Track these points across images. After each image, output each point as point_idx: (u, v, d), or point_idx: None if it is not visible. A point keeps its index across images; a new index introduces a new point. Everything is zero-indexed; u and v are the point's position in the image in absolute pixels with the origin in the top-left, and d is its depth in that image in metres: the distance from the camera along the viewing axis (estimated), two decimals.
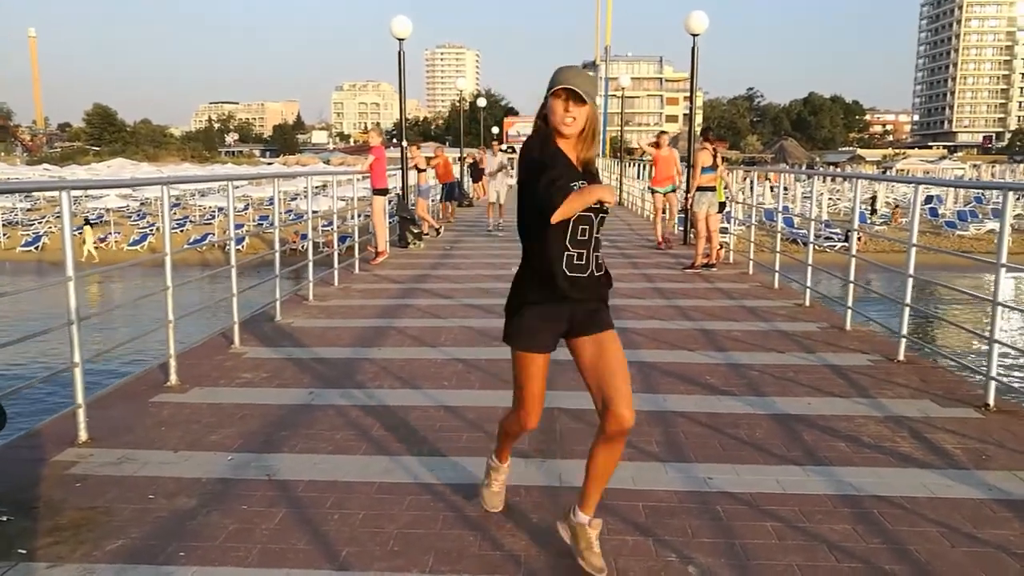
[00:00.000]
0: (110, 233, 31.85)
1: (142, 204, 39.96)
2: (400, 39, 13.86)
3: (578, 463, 3.84)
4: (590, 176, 2.77)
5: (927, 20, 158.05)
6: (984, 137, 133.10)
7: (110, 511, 3.31)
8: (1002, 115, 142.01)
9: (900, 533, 3.16)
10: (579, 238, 2.70)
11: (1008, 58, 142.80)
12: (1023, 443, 4.17)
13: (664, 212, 13.67)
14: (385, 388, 5.15)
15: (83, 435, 4.14)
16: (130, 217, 37.07)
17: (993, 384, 4.76)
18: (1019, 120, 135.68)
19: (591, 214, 2.69)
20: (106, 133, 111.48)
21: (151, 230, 32.35)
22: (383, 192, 11.76)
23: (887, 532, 3.18)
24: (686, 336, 6.65)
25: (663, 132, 13.81)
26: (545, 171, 2.62)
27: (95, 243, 29.91)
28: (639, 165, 24.22)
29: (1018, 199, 32.92)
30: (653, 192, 13.58)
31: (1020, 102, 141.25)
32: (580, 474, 3.69)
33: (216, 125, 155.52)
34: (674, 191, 13.29)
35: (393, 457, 3.95)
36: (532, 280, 2.79)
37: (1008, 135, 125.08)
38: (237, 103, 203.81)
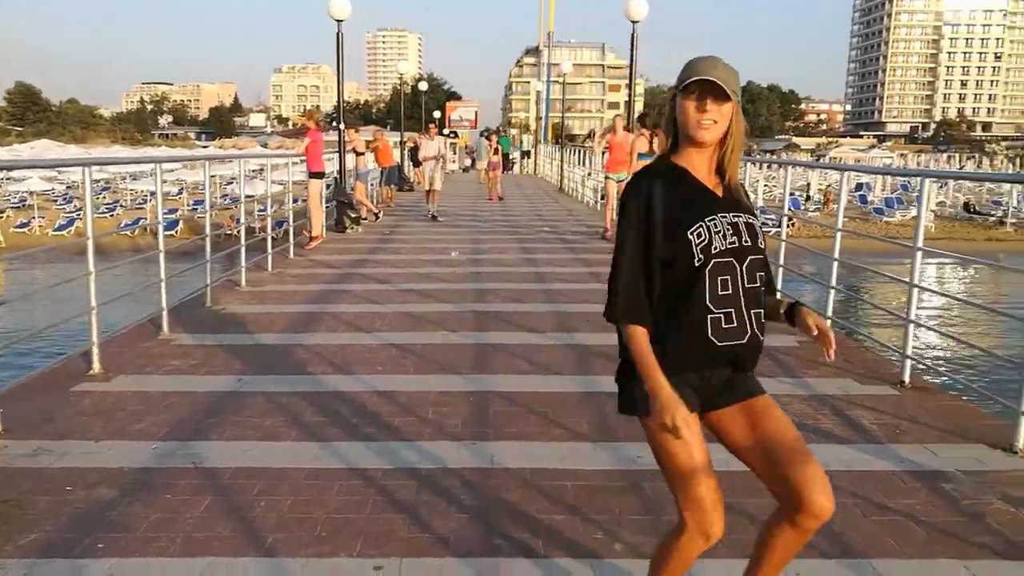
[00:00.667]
0: (33, 218, 30.59)
1: (68, 188, 38.45)
2: (339, 20, 13.63)
3: (510, 444, 3.89)
4: (736, 205, 2.07)
5: (859, 13, 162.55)
6: (911, 127, 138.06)
7: (23, 504, 3.20)
8: (928, 106, 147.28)
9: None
10: (721, 293, 2.00)
11: (934, 52, 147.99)
12: (934, 418, 4.36)
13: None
14: (317, 374, 5.09)
15: None
16: (56, 201, 35.66)
17: (909, 363, 4.96)
18: (944, 112, 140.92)
19: (732, 259, 2.00)
20: (29, 113, 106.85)
21: (78, 215, 31.18)
22: (319, 175, 11.57)
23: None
24: None
25: (618, 115, 13.32)
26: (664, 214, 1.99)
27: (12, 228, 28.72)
28: (580, 152, 24.40)
29: (941, 187, 34.27)
30: (607, 178, 13.26)
31: (945, 94, 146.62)
32: (512, 456, 3.75)
33: (149, 107, 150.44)
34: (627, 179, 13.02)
35: (324, 443, 3.91)
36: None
37: (933, 126, 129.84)
38: (171, 84, 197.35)
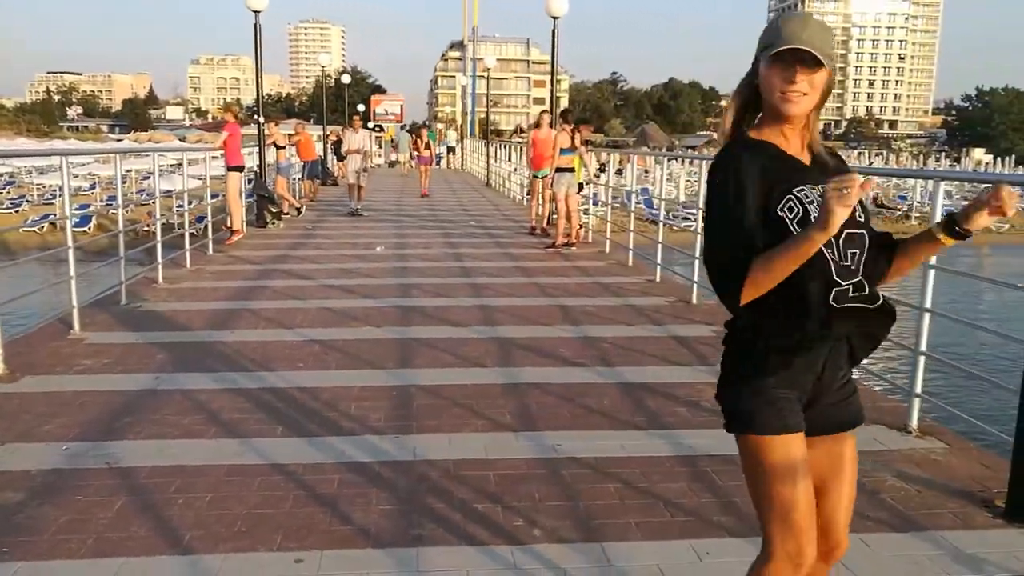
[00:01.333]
0: None
1: None
2: (256, 11, 13.31)
3: (433, 437, 3.93)
4: (823, 168, 1.82)
5: (773, 13, 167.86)
6: (824, 124, 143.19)
7: None
8: (839, 104, 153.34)
9: (728, 488, 3.42)
10: (845, 264, 1.76)
11: (843, 52, 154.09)
12: None
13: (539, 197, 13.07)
14: (238, 371, 5.01)
15: None
16: None
17: None
18: (853, 110, 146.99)
19: (856, 230, 1.78)
20: None
21: None
22: (238, 169, 11.33)
23: (717, 487, 3.43)
24: (544, 312, 6.85)
25: (544, 111, 13.20)
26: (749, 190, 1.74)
27: None
28: (509, 147, 24.48)
29: None
30: (534, 176, 12.73)
31: (855, 93, 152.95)
32: (434, 449, 3.79)
33: (56, 97, 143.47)
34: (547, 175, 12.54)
35: (244, 440, 3.86)
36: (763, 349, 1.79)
37: (844, 123, 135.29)
38: (80, 74, 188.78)
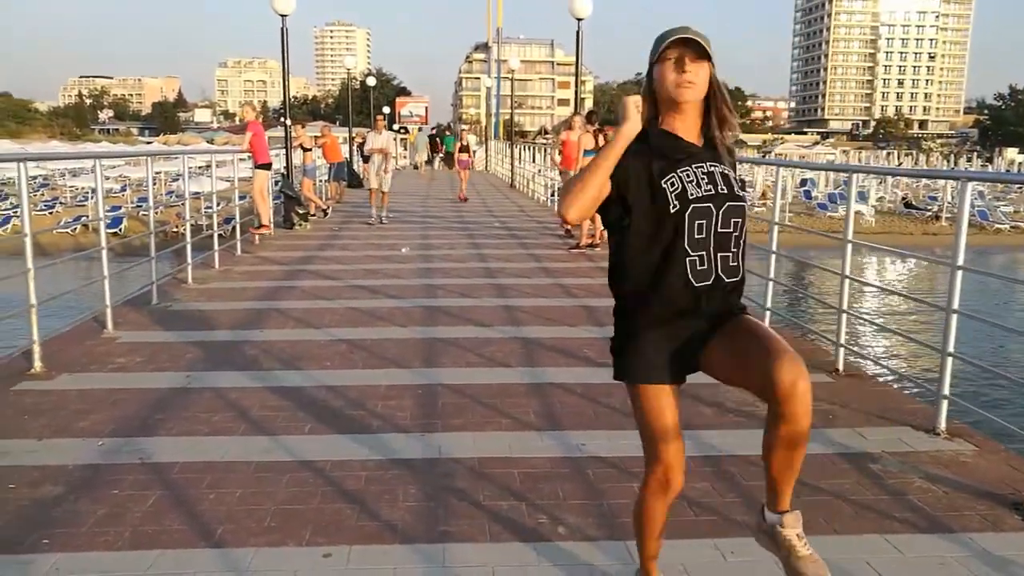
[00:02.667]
0: None
1: (3, 184, 37.17)
2: (283, 15, 13.48)
3: (458, 435, 3.97)
4: (714, 156, 2.15)
5: (801, 13, 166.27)
6: (852, 124, 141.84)
7: None
8: (868, 104, 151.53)
9: (753, 487, 3.43)
10: (697, 236, 2.08)
11: (872, 51, 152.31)
12: (865, 403, 4.58)
13: None
14: (265, 370, 5.09)
15: None
16: None
17: (842, 351, 5.18)
18: (882, 110, 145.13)
19: (709, 204, 2.08)
20: None
21: (14, 212, 30.16)
22: (266, 167, 11.47)
23: (741, 487, 3.44)
24: (568, 312, 6.87)
25: (576, 114, 13.24)
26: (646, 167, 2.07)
27: None
28: (533, 148, 24.53)
29: (880, 183, 35.33)
30: (563, 175, 13.06)
31: (883, 93, 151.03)
32: (460, 445, 3.83)
33: (88, 101, 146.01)
34: None
35: (273, 437, 3.93)
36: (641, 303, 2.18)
37: (873, 123, 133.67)
38: (111, 78, 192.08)
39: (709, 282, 2.10)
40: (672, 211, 2.06)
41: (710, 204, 2.08)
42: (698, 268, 2.09)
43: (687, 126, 2.14)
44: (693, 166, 2.09)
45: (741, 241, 2.15)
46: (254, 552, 2.83)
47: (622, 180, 2.07)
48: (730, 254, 2.12)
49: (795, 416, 1.96)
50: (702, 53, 2.06)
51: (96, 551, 2.82)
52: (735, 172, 2.19)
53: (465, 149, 21.29)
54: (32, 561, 2.74)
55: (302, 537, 2.94)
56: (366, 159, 16.78)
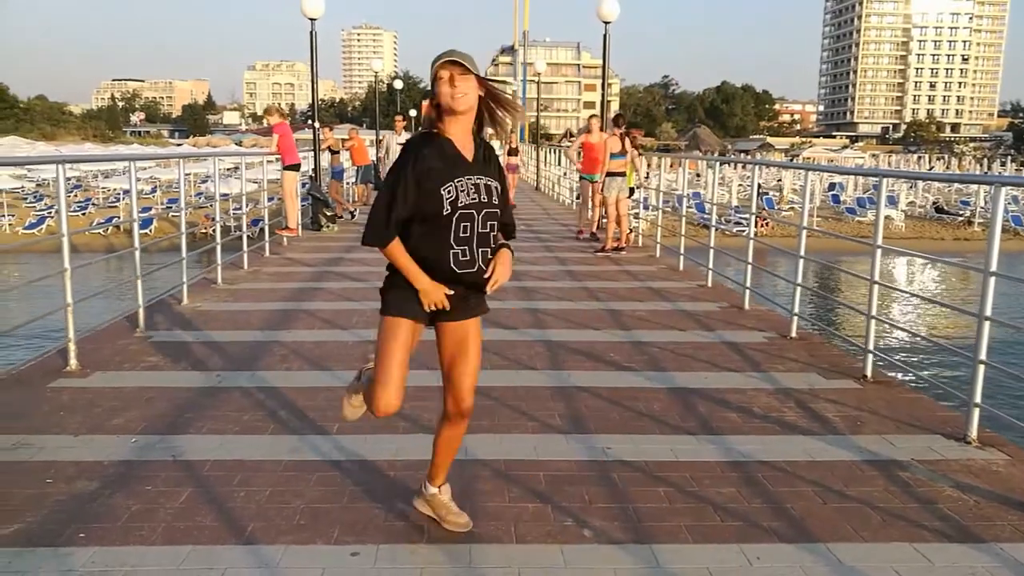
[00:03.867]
0: (3, 216, 30.15)
1: (38, 186, 37.93)
2: (312, 19, 13.63)
3: (484, 437, 3.99)
4: (483, 169, 2.73)
5: (831, 15, 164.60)
6: (882, 128, 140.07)
7: (4, 496, 3.24)
8: (898, 108, 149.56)
9: (779, 493, 3.42)
10: (462, 235, 2.68)
11: (904, 54, 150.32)
12: (894, 410, 4.53)
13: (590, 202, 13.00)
14: (294, 370, 5.15)
15: None
16: (25, 199, 35.16)
17: (871, 357, 5.14)
18: (913, 113, 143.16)
19: (472, 210, 2.66)
20: None
21: (49, 212, 30.76)
22: (293, 168, 11.58)
23: (768, 493, 3.42)
24: (593, 316, 6.87)
25: (594, 116, 13.16)
26: (426, 171, 2.63)
27: None
28: (558, 151, 24.52)
29: (910, 188, 34.89)
30: (582, 179, 12.65)
31: (915, 95, 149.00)
32: (486, 447, 3.85)
33: (120, 103, 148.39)
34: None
35: (301, 436, 3.98)
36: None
37: (903, 127, 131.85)
38: (143, 81, 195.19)
39: (472, 270, 2.72)
40: (445, 213, 2.65)
41: (473, 210, 2.67)
42: (460, 259, 2.69)
43: (462, 128, 2.72)
44: (466, 178, 2.68)
45: (493, 239, 2.78)
46: (283, 549, 2.87)
47: (409, 182, 2.65)
48: (488, 250, 2.76)
49: (458, 422, 2.93)
50: (467, 69, 2.62)
51: (130, 545, 2.88)
52: (499, 173, 2.81)
53: (514, 152, 19.60)
54: (70, 554, 2.81)
55: (330, 535, 2.98)
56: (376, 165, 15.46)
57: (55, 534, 2.94)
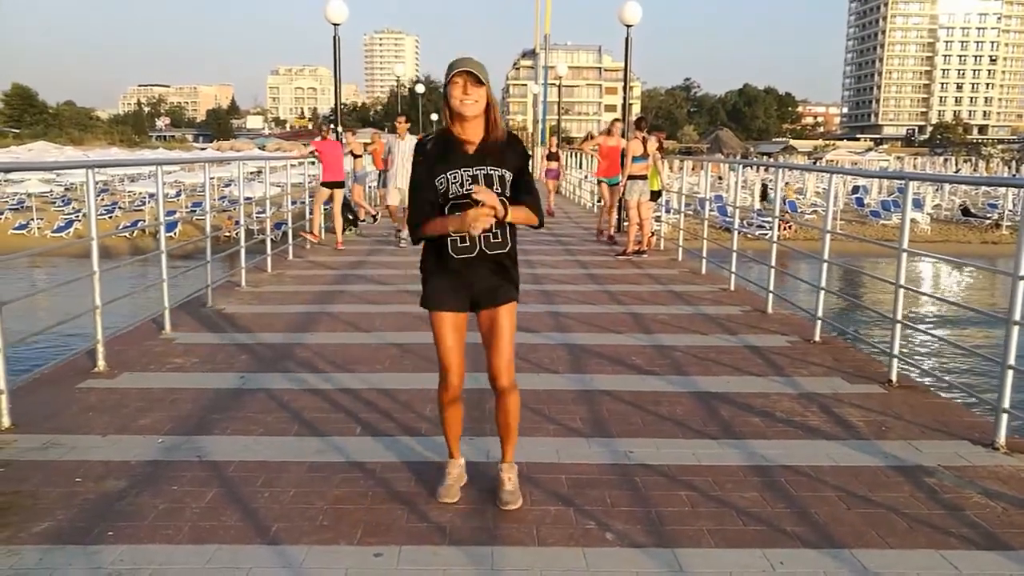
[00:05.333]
0: (32, 219, 30.65)
1: (67, 190, 38.50)
2: (335, 24, 13.74)
3: None
4: (482, 160, 2.98)
5: (855, 16, 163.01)
6: (908, 130, 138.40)
7: (35, 495, 3.30)
8: (924, 109, 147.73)
9: (803, 498, 3.39)
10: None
11: (930, 55, 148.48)
12: (920, 415, 4.48)
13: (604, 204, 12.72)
14: (318, 372, 5.19)
15: (6, 421, 4.08)
16: (54, 203, 35.72)
17: (896, 362, 5.08)
18: (940, 115, 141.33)
19: (467, 200, 2.91)
20: (26, 115, 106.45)
21: (77, 216, 31.23)
22: (326, 185, 11.75)
23: (791, 498, 3.40)
24: (615, 319, 6.86)
25: (616, 120, 12.87)
26: (429, 167, 2.97)
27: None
28: (579, 154, 24.50)
29: (936, 190, 34.43)
30: (600, 182, 12.76)
31: (941, 97, 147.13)
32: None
33: (146, 108, 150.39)
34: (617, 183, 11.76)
35: (325, 438, 4.02)
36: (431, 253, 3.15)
37: (929, 129, 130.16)
38: (168, 86, 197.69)
39: (472, 254, 3.01)
40: (442, 202, 2.97)
41: (467, 200, 2.90)
42: (458, 244, 2.99)
43: (470, 132, 2.97)
44: (461, 169, 2.95)
45: (504, 224, 3.01)
46: (307, 549, 2.90)
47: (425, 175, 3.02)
48: (489, 234, 3.00)
49: (503, 394, 3.23)
50: (480, 80, 2.88)
51: (157, 543, 2.92)
52: (515, 163, 3.05)
53: (554, 156, 17.92)
54: (99, 551, 2.85)
55: (353, 536, 3.00)
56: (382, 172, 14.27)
57: (84, 532, 2.99)
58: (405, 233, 10.75)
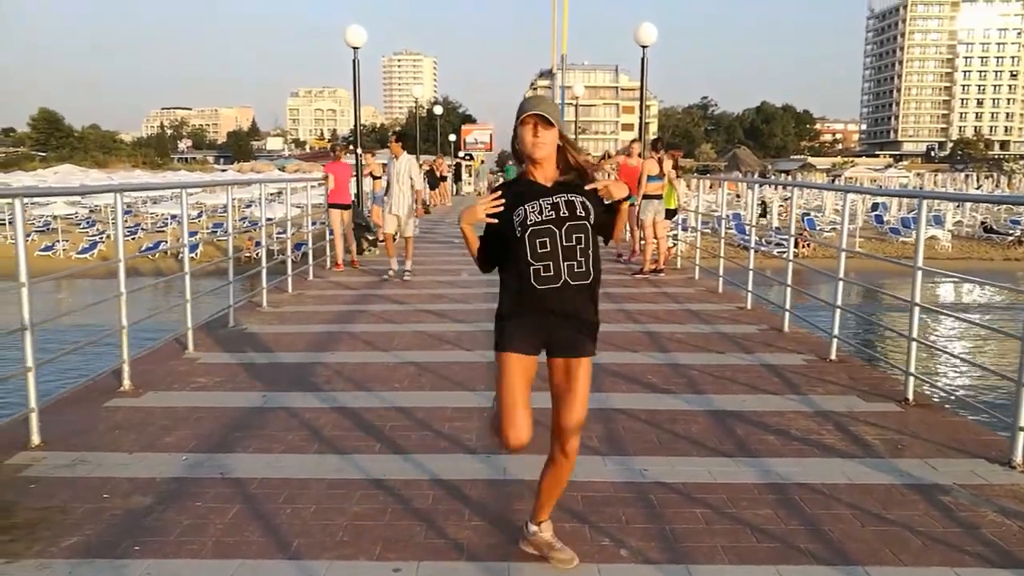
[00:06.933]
0: (57, 241, 31.18)
1: (91, 211, 39.14)
2: (355, 47, 13.98)
3: (522, 457, 4.03)
4: (558, 190, 2.83)
5: (873, 33, 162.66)
6: (927, 146, 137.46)
7: (65, 510, 3.40)
8: (944, 125, 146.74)
9: (817, 516, 3.41)
10: (541, 251, 2.75)
11: (949, 71, 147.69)
12: (936, 434, 4.48)
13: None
14: (338, 391, 5.28)
15: (36, 439, 4.20)
16: (79, 224, 36.32)
17: (912, 380, 5.08)
18: (960, 131, 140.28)
19: (549, 225, 2.75)
20: (52, 139, 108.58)
21: (101, 238, 31.74)
22: (333, 207, 11.96)
23: (805, 515, 3.42)
24: (631, 338, 6.90)
25: (635, 140, 13.11)
26: (507, 207, 2.80)
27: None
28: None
29: (957, 207, 34.15)
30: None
31: (961, 113, 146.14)
32: (524, 468, 3.91)
33: (168, 131, 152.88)
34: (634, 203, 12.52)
35: (345, 455, 4.09)
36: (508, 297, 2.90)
37: (950, 145, 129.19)
38: (190, 109, 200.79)
39: (556, 285, 2.78)
40: (517, 235, 2.78)
41: (551, 225, 2.76)
42: (541, 275, 2.76)
43: (544, 171, 2.86)
44: (540, 199, 2.80)
45: (587, 251, 2.81)
46: (328, 565, 2.96)
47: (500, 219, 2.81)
48: (574, 263, 2.79)
49: (564, 464, 2.97)
50: (550, 122, 2.79)
51: (182, 558, 3.00)
52: (583, 198, 2.83)
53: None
54: (126, 566, 2.94)
55: (373, 552, 3.07)
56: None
57: (112, 546, 3.08)
58: (395, 266, 10.73)
